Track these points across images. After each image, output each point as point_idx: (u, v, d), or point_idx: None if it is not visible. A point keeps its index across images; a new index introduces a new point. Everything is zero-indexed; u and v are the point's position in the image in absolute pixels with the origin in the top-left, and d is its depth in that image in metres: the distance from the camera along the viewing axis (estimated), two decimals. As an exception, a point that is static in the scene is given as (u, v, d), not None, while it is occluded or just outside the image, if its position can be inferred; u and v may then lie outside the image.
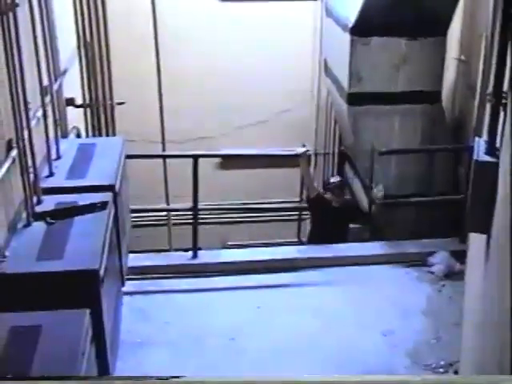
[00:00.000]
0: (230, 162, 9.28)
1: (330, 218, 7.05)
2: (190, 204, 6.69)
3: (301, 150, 7.19)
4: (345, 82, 7.19)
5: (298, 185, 8.41)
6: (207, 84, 8.86)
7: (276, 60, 8.87)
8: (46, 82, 4.87)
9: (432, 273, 6.45)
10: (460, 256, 5.83)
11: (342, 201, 7.11)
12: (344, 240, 7.15)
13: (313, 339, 5.53)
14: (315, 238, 7.23)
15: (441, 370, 5.24)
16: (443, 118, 7.42)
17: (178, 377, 1.94)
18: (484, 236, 3.82)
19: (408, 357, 5.38)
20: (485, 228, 3.73)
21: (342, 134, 8.74)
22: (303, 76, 9.06)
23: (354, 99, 7.16)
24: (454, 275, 6.32)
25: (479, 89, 6.17)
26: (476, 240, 4.15)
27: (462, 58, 7.30)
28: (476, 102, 6.25)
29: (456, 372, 5.10)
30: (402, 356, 5.39)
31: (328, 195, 7.07)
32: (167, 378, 1.94)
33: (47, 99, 4.90)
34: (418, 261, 6.59)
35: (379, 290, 6.19)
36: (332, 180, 7.36)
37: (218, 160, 9.28)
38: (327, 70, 8.37)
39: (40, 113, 4.72)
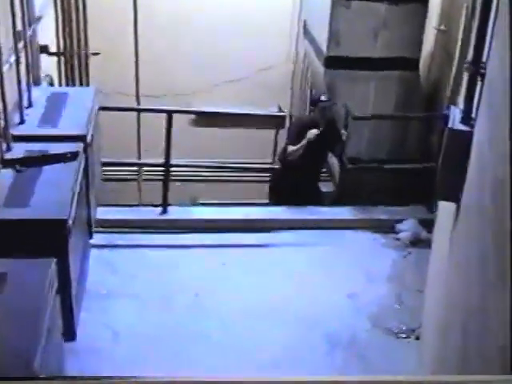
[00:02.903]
0: (204, 119, 9.20)
1: (313, 148, 6.84)
2: (162, 160, 6.64)
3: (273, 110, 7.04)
4: (323, 45, 7.14)
5: (272, 146, 8.37)
6: (185, 40, 8.75)
7: (255, 19, 8.77)
8: (19, 27, 4.76)
9: (398, 239, 6.52)
10: (428, 224, 5.89)
11: (327, 122, 6.90)
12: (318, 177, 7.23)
13: (278, 299, 5.56)
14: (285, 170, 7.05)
15: (403, 335, 5.32)
16: (419, 85, 7.42)
17: (138, 376, 1.95)
18: (453, 204, 3.86)
19: (370, 320, 5.45)
20: (455, 197, 3.77)
21: (317, 97, 8.70)
22: (282, 36, 8.99)
23: (332, 62, 7.11)
24: (420, 243, 6.38)
25: (457, 58, 6.18)
26: (445, 208, 4.19)
27: (442, 27, 7.27)
28: (453, 72, 6.26)
29: (418, 338, 5.19)
30: (364, 319, 5.45)
31: (316, 114, 6.94)
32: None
33: (20, 45, 4.79)
34: (386, 227, 6.65)
35: (346, 254, 6.24)
36: (322, 98, 6.99)
37: (192, 117, 9.20)
38: (306, 32, 8.30)
39: (12, 58, 4.62)
